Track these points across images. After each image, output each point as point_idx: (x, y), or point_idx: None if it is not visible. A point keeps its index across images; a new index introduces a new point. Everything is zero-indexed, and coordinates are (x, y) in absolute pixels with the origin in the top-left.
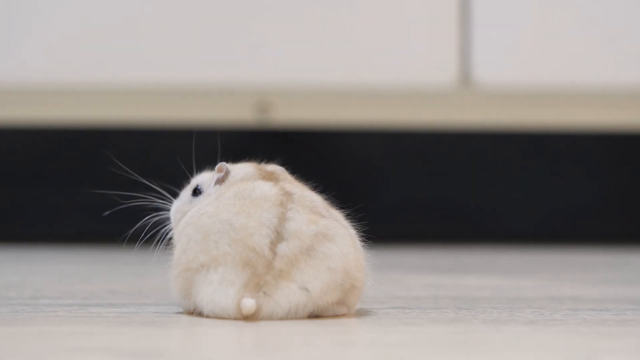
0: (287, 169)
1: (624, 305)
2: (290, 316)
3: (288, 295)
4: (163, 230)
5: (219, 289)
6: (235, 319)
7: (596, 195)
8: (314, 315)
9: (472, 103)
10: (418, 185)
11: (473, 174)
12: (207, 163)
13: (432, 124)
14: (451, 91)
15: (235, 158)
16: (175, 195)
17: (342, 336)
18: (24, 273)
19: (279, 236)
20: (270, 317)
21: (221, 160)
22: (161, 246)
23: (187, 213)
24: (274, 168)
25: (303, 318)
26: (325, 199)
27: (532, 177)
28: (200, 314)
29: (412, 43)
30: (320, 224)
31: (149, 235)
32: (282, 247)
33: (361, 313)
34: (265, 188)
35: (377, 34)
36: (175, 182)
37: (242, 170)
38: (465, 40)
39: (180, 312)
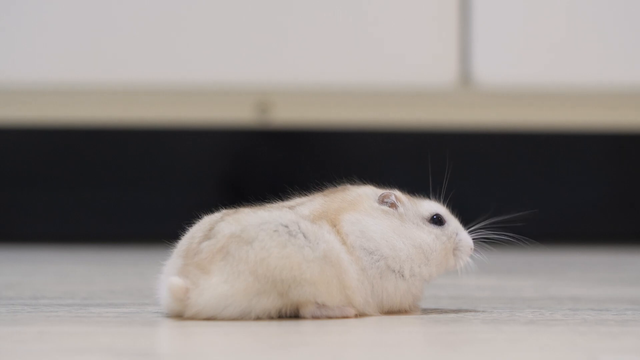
0: (286, 169)
1: (624, 305)
2: (213, 306)
3: (210, 287)
4: None
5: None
6: (171, 309)
7: (596, 195)
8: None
9: (472, 103)
10: (418, 185)
11: (473, 174)
12: (207, 163)
13: (432, 124)
14: (451, 91)
15: (235, 158)
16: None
17: (342, 336)
18: (24, 273)
19: (206, 236)
20: (197, 307)
21: (221, 161)
22: None
23: None
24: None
25: (233, 317)
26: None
27: (532, 177)
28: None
29: (412, 43)
30: (241, 223)
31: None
32: (204, 244)
33: (361, 313)
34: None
35: (377, 34)
36: (174, 182)
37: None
38: (465, 40)
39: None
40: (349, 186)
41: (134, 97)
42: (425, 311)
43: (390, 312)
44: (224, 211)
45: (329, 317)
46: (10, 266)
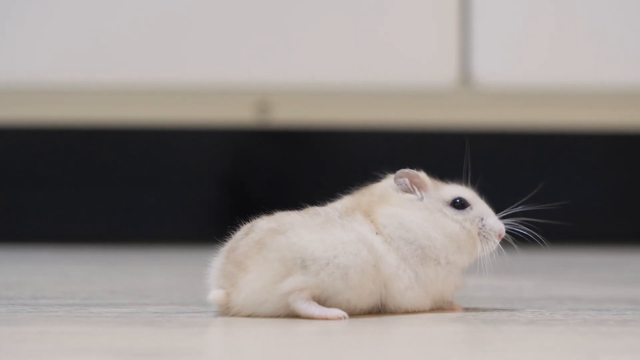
0: (286, 169)
1: (624, 305)
2: (251, 304)
3: (246, 285)
4: None
5: None
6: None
7: (596, 195)
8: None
9: (472, 103)
10: None
11: (473, 174)
12: (207, 163)
13: (432, 124)
14: (451, 91)
15: (235, 158)
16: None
17: (342, 336)
18: (24, 273)
19: (246, 234)
20: (237, 306)
21: (221, 161)
22: None
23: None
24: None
25: (271, 311)
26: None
27: (532, 177)
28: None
29: (412, 43)
30: (280, 221)
31: None
32: (242, 241)
33: (361, 313)
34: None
35: (377, 34)
36: (174, 182)
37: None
38: (465, 40)
39: (180, 312)
40: (373, 184)
41: (134, 97)
42: (425, 311)
43: (438, 305)
44: (263, 216)
45: (311, 317)
46: (10, 266)
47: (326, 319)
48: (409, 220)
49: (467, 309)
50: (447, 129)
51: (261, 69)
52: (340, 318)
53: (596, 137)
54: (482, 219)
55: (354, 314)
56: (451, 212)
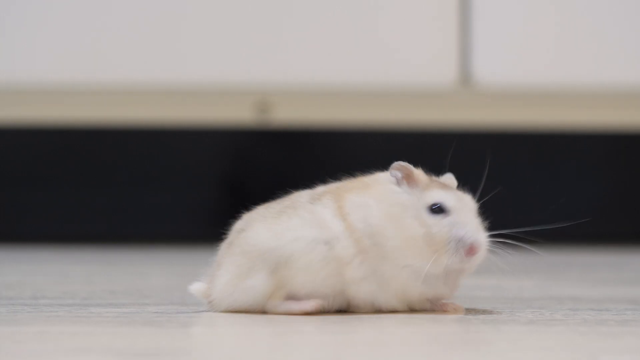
0: (286, 169)
1: (624, 305)
2: (224, 298)
3: (218, 278)
4: None
5: None
6: None
7: (596, 195)
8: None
9: (472, 103)
10: None
11: (473, 174)
12: (207, 163)
13: (432, 124)
14: (451, 91)
15: (235, 158)
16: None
17: (342, 336)
18: (24, 273)
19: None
20: (212, 299)
21: (221, 161)
22: None
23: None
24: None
25: (239, 304)
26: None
27: (532, 177)
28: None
29: (412, 43)
30: (246, 219)
31: None
32: (222, 244)
33: (360, 313)
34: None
35: (377, 34)
36: (174, 182)
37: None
38: (465, 40)
39: (180, 312)
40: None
41: (134, 97)
42: (425, 311)
43: (411, 306)
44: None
45: (291, 313)
46: (10, 266)
47: (305, 312)
48: (373, 214)
49: (467, 309)
50: (447, 129)
51: (261, 69)
52: (317, 307)
53: (596, 137)
54: (453, 228)
55: (324, 298)
56: (426, 215)
